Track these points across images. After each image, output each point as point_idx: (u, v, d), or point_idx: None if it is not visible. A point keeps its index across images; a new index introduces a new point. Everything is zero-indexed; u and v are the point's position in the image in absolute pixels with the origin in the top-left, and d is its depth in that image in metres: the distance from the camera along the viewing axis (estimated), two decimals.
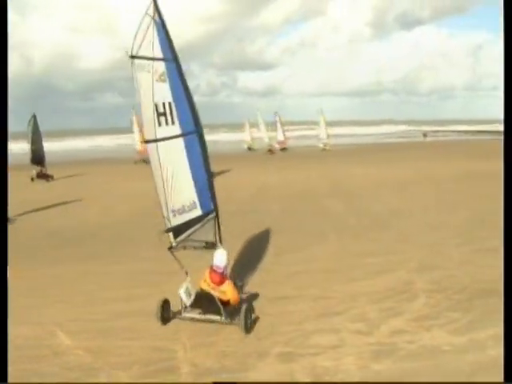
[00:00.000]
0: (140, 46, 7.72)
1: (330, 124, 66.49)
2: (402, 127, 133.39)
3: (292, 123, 74.53)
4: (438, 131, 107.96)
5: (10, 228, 12.13)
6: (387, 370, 6.59)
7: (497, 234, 13.84)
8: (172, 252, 8.65)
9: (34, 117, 36.71)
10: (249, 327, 8.06)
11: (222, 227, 9.22)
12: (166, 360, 7.11)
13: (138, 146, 45.83)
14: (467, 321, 8.09)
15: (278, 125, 61.65)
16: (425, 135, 75.42)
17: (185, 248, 8.81)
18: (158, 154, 8.14)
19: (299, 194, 23.54)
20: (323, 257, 12.50)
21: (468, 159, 40.46)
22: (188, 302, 8.41)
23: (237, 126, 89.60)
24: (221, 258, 8.60)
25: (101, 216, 19.94)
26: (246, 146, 62.79)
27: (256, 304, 9.11)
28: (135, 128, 47.98)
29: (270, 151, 57.39)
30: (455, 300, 9.06)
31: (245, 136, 64.75)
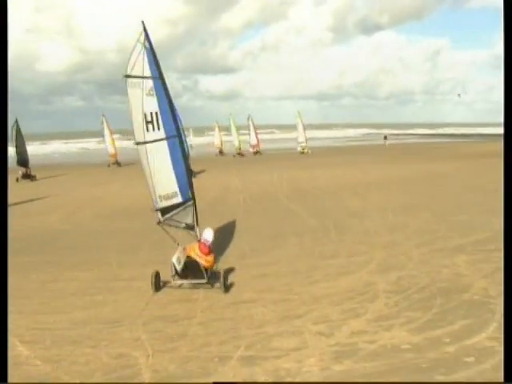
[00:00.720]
0: (133, 67, 9.92)
1: (292, 128, 66.84)
2: (363, 130, 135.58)
3: (256, 127, 74.57)
4: (397, 134, 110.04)
5: None
6: (348, 370, 6.66)
7: (456, 233, 14.26)
8: (161, 226, 11.00)
9: (17, 121, 38.66)
10: (227, 288, 10.28)
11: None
12: (128, 367, 7.01)
13: (111, 150, 48.32)
14: (426, 319, 8.25)
15: (251, 128, 61.05)
16: (385, 138, 76.67)
17: (170, 225, 11.04)
18: (146, 153, 10.39)
19: (263, 196, 23.60)
20: (284, 259, 12.57)
21: (427, 161, 41.41)
22: (179, 267, 10.40)
23: (200, 130, 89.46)
24: (209, 234, 10.73)
25: (62, 222, 19.56)
26: (217, 150, 60.78)
27: (217, 309, 9.13)
28: (106, 132, 49.31)
29: (240, 154, 57.56)
30: (415, 300, 9.23)
31: (215, 139, 62.92)
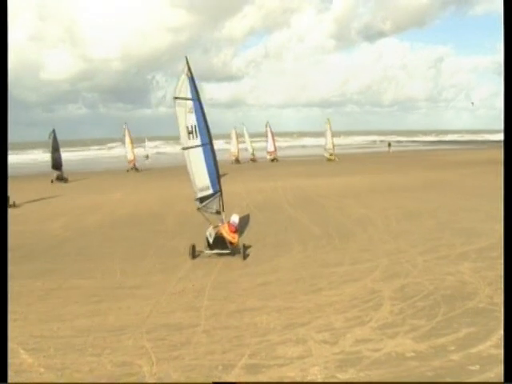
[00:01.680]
0: (179, 91, 13.38)
1: (297, 134, 66.83)
2: (368, 138, 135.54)
3: (259, 135, 74.46)
4: (401, 141, 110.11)
5: None
6: (353, 378, 6.64)
7: (460, 241, 14.23)
8: (201, 211, 14.36)
9: (54, 131, 43.50)
10: (245, 257, 13.52)
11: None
12: (132, 375, 7.00)
13: (130, 156, 52.37)
14: (431, 327, 8.22)
15: (269, 135, 60.80)
16: (389, 145, 76.72)
17: (206, 211, 14.40)
18: (188, 156, 13.86)
19: (268, 204, 23.59)
20: (288, 267, 12.55)
21: (431, 168, 41.33)
22: (210, 240, 13.79)
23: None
24: (235, 218, 14.33)
25: (66, 228, 19.57)
26: (233, 158, 58.64)
27: (221, 317, 9.11)
28: (127, 139, 53.11)
29: (253, 160, 58.54)
30: (419, 307, 9.20)
31: (231, 147, 61.16)
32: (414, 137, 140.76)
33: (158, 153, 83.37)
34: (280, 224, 18.64)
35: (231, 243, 13.84)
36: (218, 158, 14.99)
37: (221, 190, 14.45)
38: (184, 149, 13.75)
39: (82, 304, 10.30)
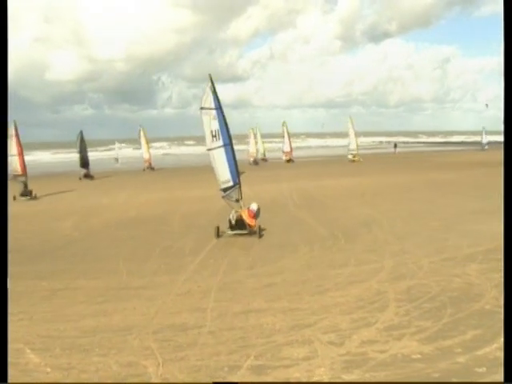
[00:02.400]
0: (204, 102, 16.53)
1: (305, 135, 66.55)
2: (374, 138, 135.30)
3: (266, 135, 74.34)
4: (407, 142, 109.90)
5: None
6: (359, 379, 6.63)
7: (466, 242, 14.18)
8: (224, 199, 17.35)
9: (81, 132, 47.75)
10: (261, 236, 16.38)
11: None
12: (137, 376, 7.00)
13: (145, 155, 56.17)
14: (437, 329, 8.19)
15: (286, 135, 60.39)
16: (395, 146, 76.66)
17: (228, 199, 17.30)
18: (213, 155, 17.01)
19: (275, 205, 23.60)
20: (294, 268, 12.54)
21: (436, 169, 41.25)
22: (233, 222, 16.80)
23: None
24: (254, 206, 16.94)
25: (75, 228, 19.65)
26: (251, 159, 57.96)
27: (227, 318, 9.12)
28: (143, 140, 56.78)
29: (264, 160, 59.66)
30: (425, 309, 9.17)
31: (249, 147, 60.66)
32: (419, 138, 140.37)
33: (166, 154, 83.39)
34: (287, 224, 18.67)
35: (249, 226, 16.62)
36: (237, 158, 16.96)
37: (239, 183, 17.11)
38: (209, 150, 17.00)
39: (88, 304, 10.33)
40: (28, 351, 7.91)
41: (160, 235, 17.69)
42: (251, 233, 16.56)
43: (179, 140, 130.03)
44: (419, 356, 7.22)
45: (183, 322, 9.02)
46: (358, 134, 62.19)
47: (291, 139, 62.20)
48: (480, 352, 7.25)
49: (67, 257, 14.98)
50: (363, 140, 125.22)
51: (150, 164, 55.23)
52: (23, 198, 30.53)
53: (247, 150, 60.90)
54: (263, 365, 7.15)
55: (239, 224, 16.73)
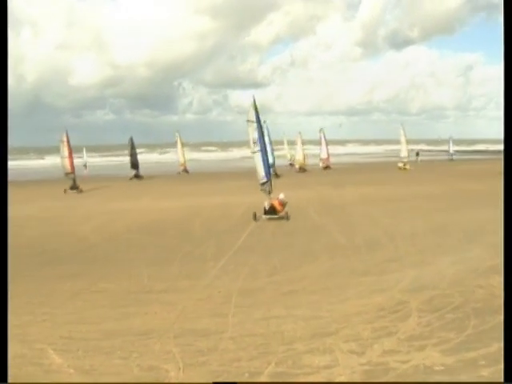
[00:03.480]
0: (249, 116, 22.31)
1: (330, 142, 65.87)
2: (397, 147, 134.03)
3: (289, 142, 74.14)
4: (429, 150, 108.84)
5: None
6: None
7: (489, 254, 13.96)
8: (262, 191, 22.61)
9: (131, 138, 54.42)
10: (288, 219, 21.11)
11: None
12: (158, 380, 7.04)
13: (181, 159, 59.15)
14: (460, 341, 8.07)
15: (323, 142, 59.71)
16: (417, 155, 75.91)
17: (264, 191, 22.64)
18: (254, 157, 22.84)
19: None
20: (315, 276, 12.50)
21: (459, 178, 40.79)
22: (267, 208, 21.58)
23: (230, 144, 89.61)
24: (283, 196, 22.24)
25: (94, 233, 19.86)
26: (297, 166, 56.03)
27: (248, 324, 9.13)
28: (178, 145, 59.66)
29: (291, 165, 59.52)
30: (448, 320, 9.05)
31: (296, 154, 58.86)
32: (442, 146, 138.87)
33: (189, 160, 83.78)
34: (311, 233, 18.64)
35: (278, 211, 21.60)
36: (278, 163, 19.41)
37: (271, 179, 22.63)
38: (253, 153, 22.73)
39: (109, 307, 10.43)
40: (51, 351, 8.01)
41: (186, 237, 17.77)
42: (280, 218, 21.28)
43: (200, 145, 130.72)
44: (442, 368, 7.13)
45: (204, 327, 9.04)
46: (380, 142, 61.73)
47: (328, 146, 60.75)
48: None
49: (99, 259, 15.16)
50: (387, 148, 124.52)
51: (185, 167, 58.11)
52: (72, 192, 36.68)
53: (293, 156, 61.31)
54: (284, 372, 7.12)
55: (271, 210, 21.58)
